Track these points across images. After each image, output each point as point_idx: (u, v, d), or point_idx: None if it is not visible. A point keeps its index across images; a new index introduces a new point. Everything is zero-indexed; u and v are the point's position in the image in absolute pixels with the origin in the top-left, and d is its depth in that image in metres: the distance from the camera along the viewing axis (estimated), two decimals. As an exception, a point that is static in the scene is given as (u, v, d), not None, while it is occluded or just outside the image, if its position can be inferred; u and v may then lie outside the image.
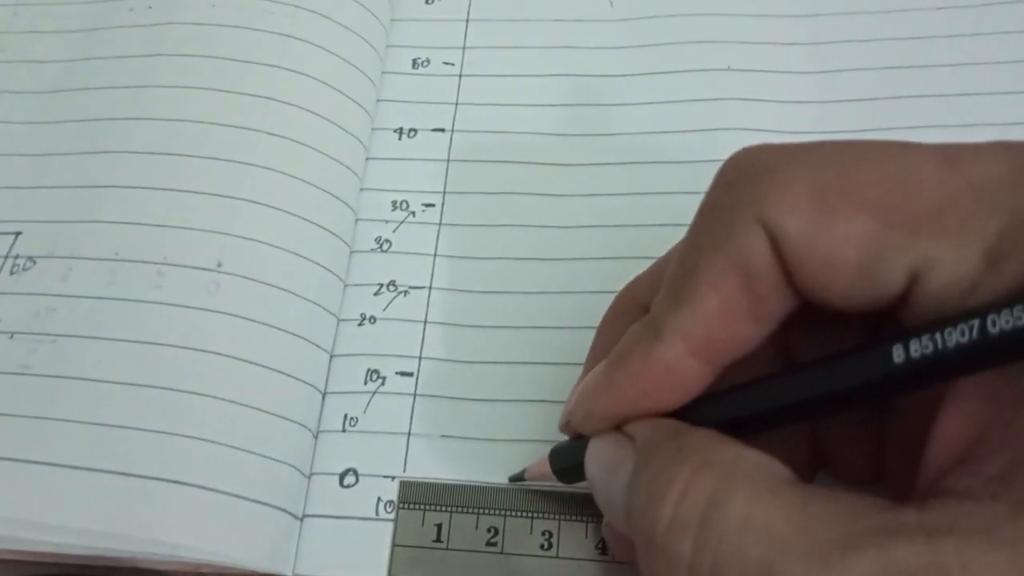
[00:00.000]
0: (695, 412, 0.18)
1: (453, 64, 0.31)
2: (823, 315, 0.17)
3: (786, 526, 0.14)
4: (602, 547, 0.23)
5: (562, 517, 0.23)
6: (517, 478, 0.24)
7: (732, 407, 0.18)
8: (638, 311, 0.21)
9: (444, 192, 0.29)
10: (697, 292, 0.17)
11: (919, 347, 0.15)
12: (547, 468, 0.22)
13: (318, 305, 0.26)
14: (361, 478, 0.24)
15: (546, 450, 0.24)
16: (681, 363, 0.17)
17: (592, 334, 0.26)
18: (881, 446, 0.19)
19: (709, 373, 0.17)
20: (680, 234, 0.27)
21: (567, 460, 0.21)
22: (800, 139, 0.28)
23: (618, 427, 0.19)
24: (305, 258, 0.26)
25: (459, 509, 0.24)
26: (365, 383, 0.26)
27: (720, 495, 0.15)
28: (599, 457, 0.19)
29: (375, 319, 0.27)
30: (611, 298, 0.26)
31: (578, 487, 0.24)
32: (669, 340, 0.17)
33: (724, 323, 0.17)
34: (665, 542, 0.15)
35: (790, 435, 0.20)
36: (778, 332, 0.18)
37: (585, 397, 0.19)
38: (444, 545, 0.23)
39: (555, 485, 0.23)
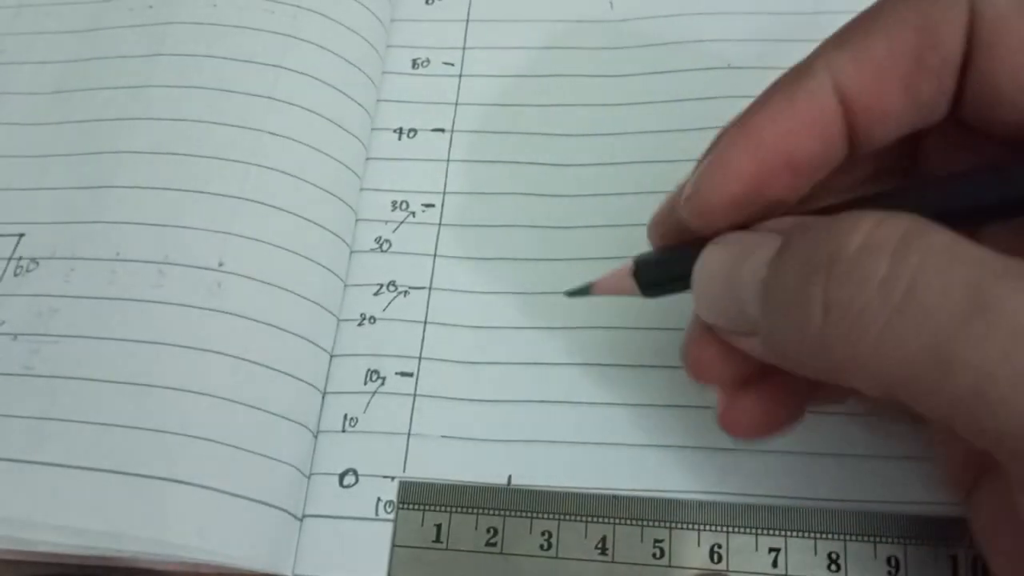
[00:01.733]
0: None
1: (453, 64, 0.31)
2: (956, 143, 0.16)
3: (995, 256, 0.13)
4: (601, 546, 0.23)
5: (561, 517, 0.23)
6: (579, 292, 0.22)
7: (891, 201, 0.16)
8: None
9: (444, 192, 0.29)
10: (866, 36, 0.16)
11: None
12: (623, 281, 0.21)
13: (319, 305, 0.26)
14: (361, 478, 0.25)
15: (547, 449, 0.25)
16: (825, 101, 0.16)
17: (592, 334, 0.26)
18: None
19: (845, 132, 0.16)
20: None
21: (658, 258, 0.21)
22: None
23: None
24: (306, 258, 0.26)
25: (459, 509, 0.24)
26: (365, 383, 0.26)
27: (920, 227, 0.14)
28: (724, 249, 0.18)
29: (375, 319, 0.27)
30: (611, 299, 0.26)
31: (573, 486, 0.24)
32: (820, 73, 0.16)
33: (880, 79, 0.16)
34: (852, 264, 0.14)
35: None
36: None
37: (716, 156, 0.18)
38: (444, 545, 0.23)
39: (629, 295, 0.21)
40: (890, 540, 0.22)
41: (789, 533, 0.22)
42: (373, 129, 0.30)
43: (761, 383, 0.20)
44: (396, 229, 0.28)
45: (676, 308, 0.26)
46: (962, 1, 0.15)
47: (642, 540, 0.23)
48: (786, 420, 0.20)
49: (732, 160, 0.17)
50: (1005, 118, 0.15)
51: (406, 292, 0.27)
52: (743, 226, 0.18)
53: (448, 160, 0.29)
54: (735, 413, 0.20)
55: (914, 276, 0.13)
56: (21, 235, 0.27)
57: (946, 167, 0.18)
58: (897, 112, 0.16)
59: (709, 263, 0.18)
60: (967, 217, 0.16)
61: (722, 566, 0.22)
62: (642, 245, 0.27)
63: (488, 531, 0.23)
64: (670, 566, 0.23)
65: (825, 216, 0.16)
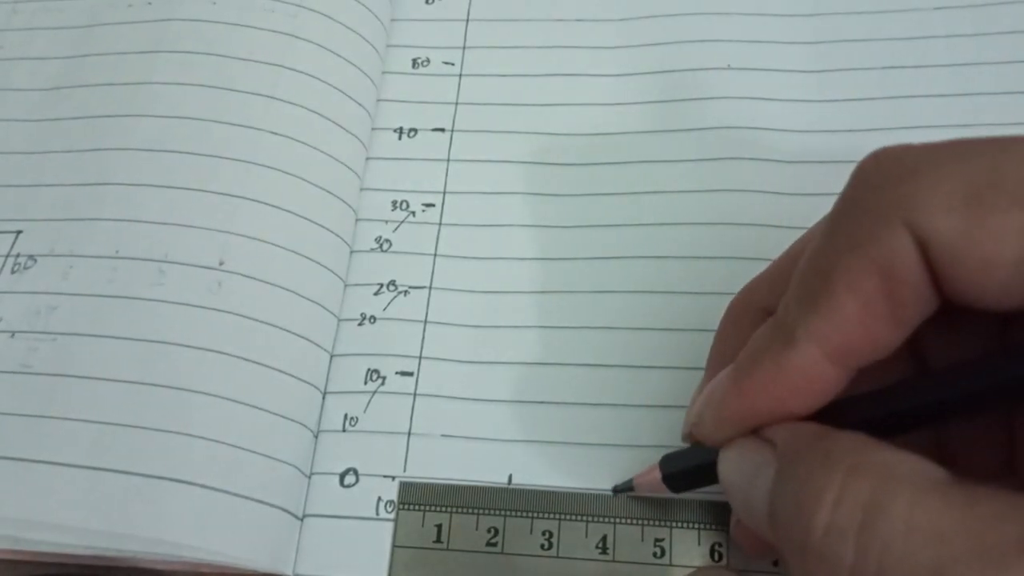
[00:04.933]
0: (832, 415, 0.17)
1: (453, 64, 0.31)
2: (955, 312, 0.16)
3: (955, 528, 0.14)
4: (602, 546, 0.23)
5: (562, 517, 0.23)
6: (624, 488, 0.24)
7: (871, 408, 0.17)
8: (759, 314, 0.21)
9: (444, 192, 0.29)
10: (834, 296, 0.16)
11: None
12: (657, 477, 0.22)
13: (319, 304, 0.26)
14: (361, 478, 0.25)
15: (548, 449, 0.25)
16: (816, 369, 0.17)
17: (592, 334, 0.26)
18: (1011, 437, 0.19)
19: (844, 377, 0.17)
20: (679, 233, 0.27)
21: (681, 467, 0.22)
22: (799, 137, 0.28)
23: (754, 432, 0.18)
24: (306, 257, 0.26)
25: (459, 509, 0.24)
26: (365, 383, 0.26)
27: (879, 499, 0.14)
28: (736, 463, 0.19)
29: (375, 319, 0.27)
30: (610, 298, 0.27)
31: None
32: (804, 346, 0.17)
33: (862, 328, 0.16)
34: (822, 548, 0.15)
35: (912, 436, 0.19)
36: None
37: (713, 405, 0.19)
38: (444, 546, 0.23)
39: (663, 495, 0.23)
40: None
41: (790, 533, 0.23)
42: (373, 129, 0.30)
43: None
44: (396, 229, 0.28)
45: (676, 308, 0.26)
46: (904, 236, 0.15)
47: (643, 539, 0.23)
48: None
49: (727, 418, 0.18)
50: (999, 303, 0.16)
51: (406, 292, 0.27)
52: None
53: (448, 160, 0.29)
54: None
55: (880, 564, 0.14)
56: (19, 232, 0.27)
57: (951, 339, 0.19)
58: (886, 340, 0.16)
59: (726, 478, 0.19)
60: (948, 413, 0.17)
61: (723, 564, 0.23)
62: (641, 244, 0.27)
63: (489, 531, 0.23)
64: (671, 565, 0.23)
65: (804, 452, 0.16)
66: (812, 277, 0.17)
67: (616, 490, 0.24)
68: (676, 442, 0.24)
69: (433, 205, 0.29)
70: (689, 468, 0.21)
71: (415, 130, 0.30)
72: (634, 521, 0.23)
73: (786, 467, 0.17)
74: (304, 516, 0.24)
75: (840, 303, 0.16)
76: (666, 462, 0.22)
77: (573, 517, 0.23)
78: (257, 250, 0.26)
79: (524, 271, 0.27)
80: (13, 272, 0.26)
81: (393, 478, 0.24)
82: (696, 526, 0.23)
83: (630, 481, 0.23)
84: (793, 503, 0.16)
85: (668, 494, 0.22)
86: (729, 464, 0.19)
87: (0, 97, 0.30)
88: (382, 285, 0.27)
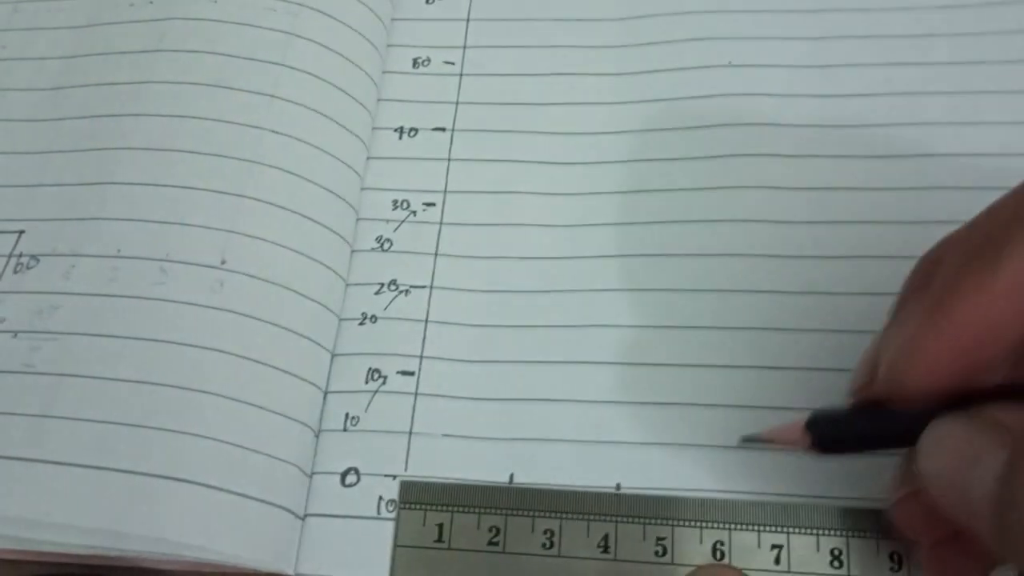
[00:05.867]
0: None
1: (454, 63, 0.31)
2: None
3: None
4: (604, 545, 0.23)
5: (564, 516, 0.23)
6: (754, 439, 0.21)
7: None
8: None
9: (445, 191, 0.29)
10: None
11: None
12: (797, 436, 0.20)
13: (320, 304, 0.26)
14: (362, 477, 0.25)
15: (549, 448, 0.25)
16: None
17: (593, 332, 0.26)
18: None
19: None
20: (681, 231, 0.27)
21: (843, 429, 0.19)
22: (801, 133, 0.28)
23: (960, 406, 0.16)
24: (308, 256, 0.26)
25: (460, 509, 0.24)
26: (366, 382, 0.26)
27: None
28: (948, 443, 0.16)
29: (376, 318, 0.27)
30: (610, 296, 0.27)
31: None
32: (1013, 256, 0.14)
33: None
34: None
35: None
36: None
37: (907, 349, 0.16)
38: (446, 545, 0.23)
39: (803, 453, 0.20)
40: (892, 536, 0.22)
41: (791, 530, 0.23)
42: (374, 128, 0.30)
43: (963, 536, 0.19)
44: (397, 228, 0.28)
45: (676, 306, 0.26)
46: None
47: (644, 538, 0.23)
48: (988, 567, 0.20)
49: (928, 348, 0.16)
50: None
51: (407, 291, 0.27)
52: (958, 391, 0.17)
53: (449, 159, 0.29)
54: (937, 564, 0.20)
55: None
56: (21, 232, 0.27)
57: None
58: None
59: (930, 461, 0.17)
60: None
61: (724, 563, 0.23)
62: (641, 243, 0.27)
63: (490, 530, 0.23)
64: (673, 563, 0.23)
65: None
66: None
67: (745, 439, 0.21)
68: (678, 440, 0.24)
69: (434, 204, 0.29)
70: (853, 422, 0.19)
71: (416, 129, 0.30)
72: (636, 519, 0.23)
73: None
74: (305, 515, 0.24)
75: None
76: (820, 423, 0.19)
77: (575, 516, 0.23)
78: (259, 249, 0.26)
79: (525, 270, 0.27)
80: (16, 272, 0.26)
81: (394, 477, 0.24)
82: (698, 524, 0.23)
83: (768, 432, 0.21)
84: None
85: (810, 454, 0.20)
86: (939, 442, 0.16)
87: (1, 97, 0.30)
88: (383, 284, 0.27)
